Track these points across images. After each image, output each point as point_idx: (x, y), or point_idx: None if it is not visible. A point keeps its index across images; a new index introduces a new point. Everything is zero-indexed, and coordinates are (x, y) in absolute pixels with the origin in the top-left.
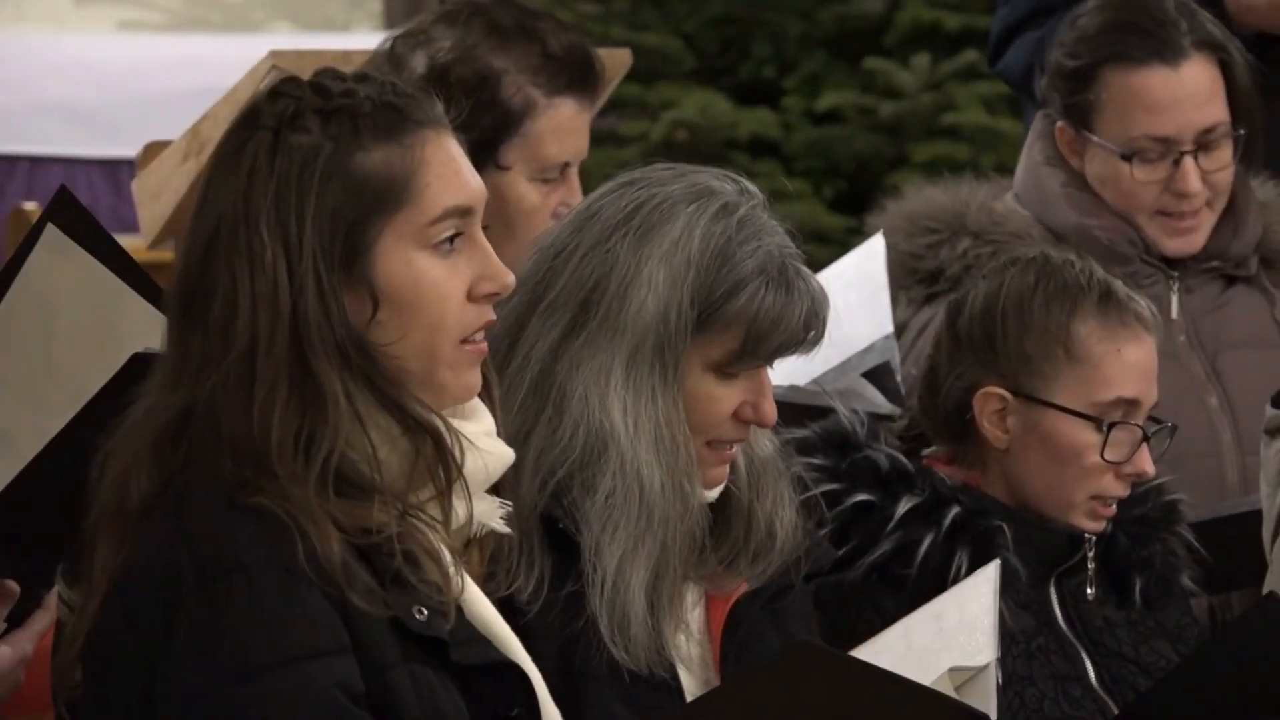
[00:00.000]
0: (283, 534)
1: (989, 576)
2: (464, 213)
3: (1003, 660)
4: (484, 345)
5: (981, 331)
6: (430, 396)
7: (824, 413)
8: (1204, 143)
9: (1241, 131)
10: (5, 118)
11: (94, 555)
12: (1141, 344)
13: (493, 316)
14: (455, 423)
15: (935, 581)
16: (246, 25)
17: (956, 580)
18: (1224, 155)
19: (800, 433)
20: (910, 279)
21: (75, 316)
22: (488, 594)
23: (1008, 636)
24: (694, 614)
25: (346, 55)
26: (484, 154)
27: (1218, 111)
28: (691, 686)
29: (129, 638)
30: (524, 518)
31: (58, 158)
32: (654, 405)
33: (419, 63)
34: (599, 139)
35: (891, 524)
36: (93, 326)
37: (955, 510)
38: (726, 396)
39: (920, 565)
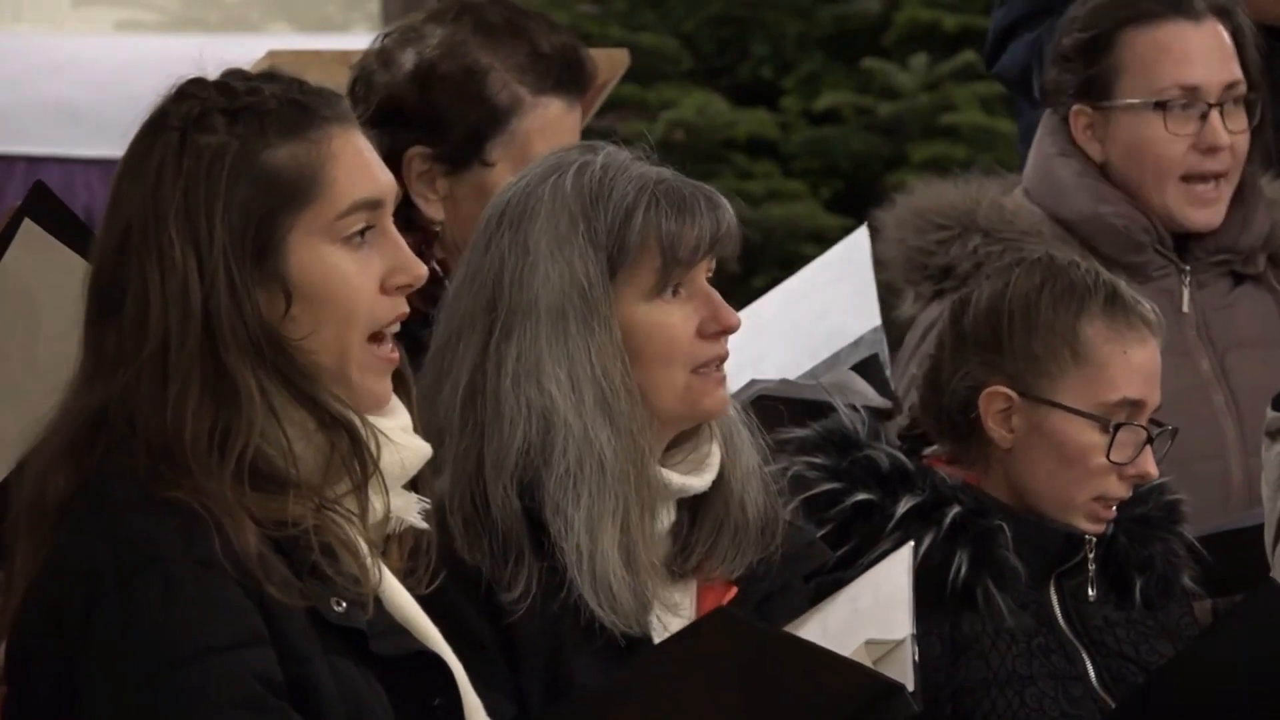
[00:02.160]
0: (199, 527)
1: (903, 558)
2: (373, 205)
3: (1004, 659)
4: (396, 355)
5: (987, 331)
6: (344, 393)
7: (817, 406)
8: (1226, 100)
9: (1256, 96)
10: (2, 118)
11: (14, 555)
12: (1146, 346)
13: (406, 309)
14: (371, 418)
15: (935, 580)
16: (244, 25)
17: (957, 578)
18: (1243, 118)
19: (801, 432)
20: (919, 275)
21: (57, 311)
22: (408, 589)
23: (1008, 634)
24: (686, 615)
25: (344, 55)
26: (470, 149)
27: (1237, 69)
28: None
29: (49, 633)
30: (503, 525)
31: (55, 158)
32: (590, 364)
33: (407, 59)
34: (596, 139)
35: (892, 523)
36: (75, 321)
37: (955, 510)
38: (681, 317)
39: (920, 564)
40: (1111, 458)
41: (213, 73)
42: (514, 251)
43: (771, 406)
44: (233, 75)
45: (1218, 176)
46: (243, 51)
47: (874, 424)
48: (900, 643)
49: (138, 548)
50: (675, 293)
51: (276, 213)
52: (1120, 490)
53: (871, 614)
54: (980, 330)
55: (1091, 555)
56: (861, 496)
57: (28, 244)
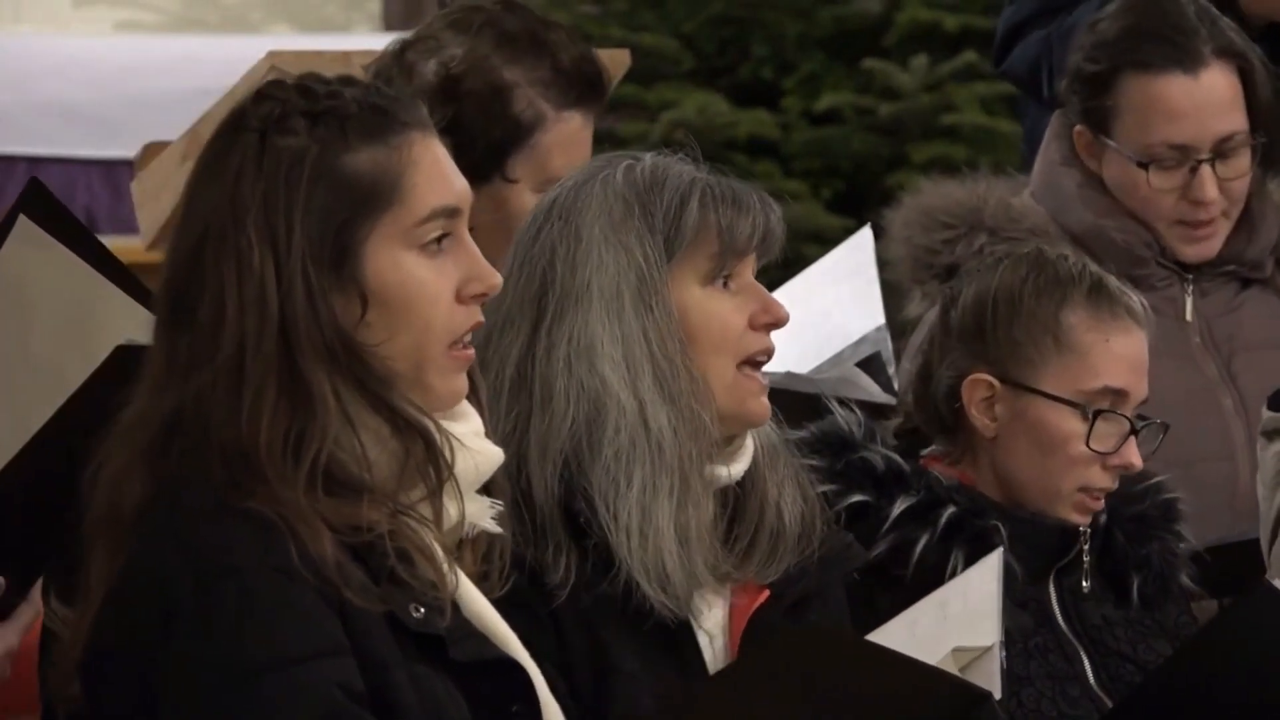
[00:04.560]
0: (275, 536)
1: (992, 565)
2: (451, 213)
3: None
4: (471, 352)
5: (972, 320)
6: (419, 398)
7: (815, 401)
8: (1222, 151)
9: (1260, 140)
10: (4, 118)
11: (90, 564)
12: (1130, 336)
13: (481, 318)
14: (444, 423)
15: (931, 581)
16: (244, 26)
17: (953, 579)
18: (1242, 163)
19: (796, 433)
20: (926, 274)
21: (51, 308)
22: (483, 594)
23: (1005, 634)
24: (718, 615)
25: (345, 56)
26: (492, 165)
27: (1237, 120)
28: None
29: (126, 646)
30: (544, 511)
31: (56, 158)
32: (646, 343)
33: (430, 71)
34: (597, 139)
35: (887, 525)
36: (69, 318)
37: (950, 510)
38: (734, 307)
39: (916, 565)
40: (1092, 446)
41: (228, 72)
42: (565, 240)
43: (779, 400)
44: (312, 78)
45: (1210, 220)
46: (243, 52)
47: (869, 425)
48: (988, 650)
49: (214, 558)
50: (725, 284)
51: (355, 218)
52: (1105, 481)
53: (960, 620)
54: (966, 321)
55: (1086, 547)
56: (857, 498)
57: (23, 240)
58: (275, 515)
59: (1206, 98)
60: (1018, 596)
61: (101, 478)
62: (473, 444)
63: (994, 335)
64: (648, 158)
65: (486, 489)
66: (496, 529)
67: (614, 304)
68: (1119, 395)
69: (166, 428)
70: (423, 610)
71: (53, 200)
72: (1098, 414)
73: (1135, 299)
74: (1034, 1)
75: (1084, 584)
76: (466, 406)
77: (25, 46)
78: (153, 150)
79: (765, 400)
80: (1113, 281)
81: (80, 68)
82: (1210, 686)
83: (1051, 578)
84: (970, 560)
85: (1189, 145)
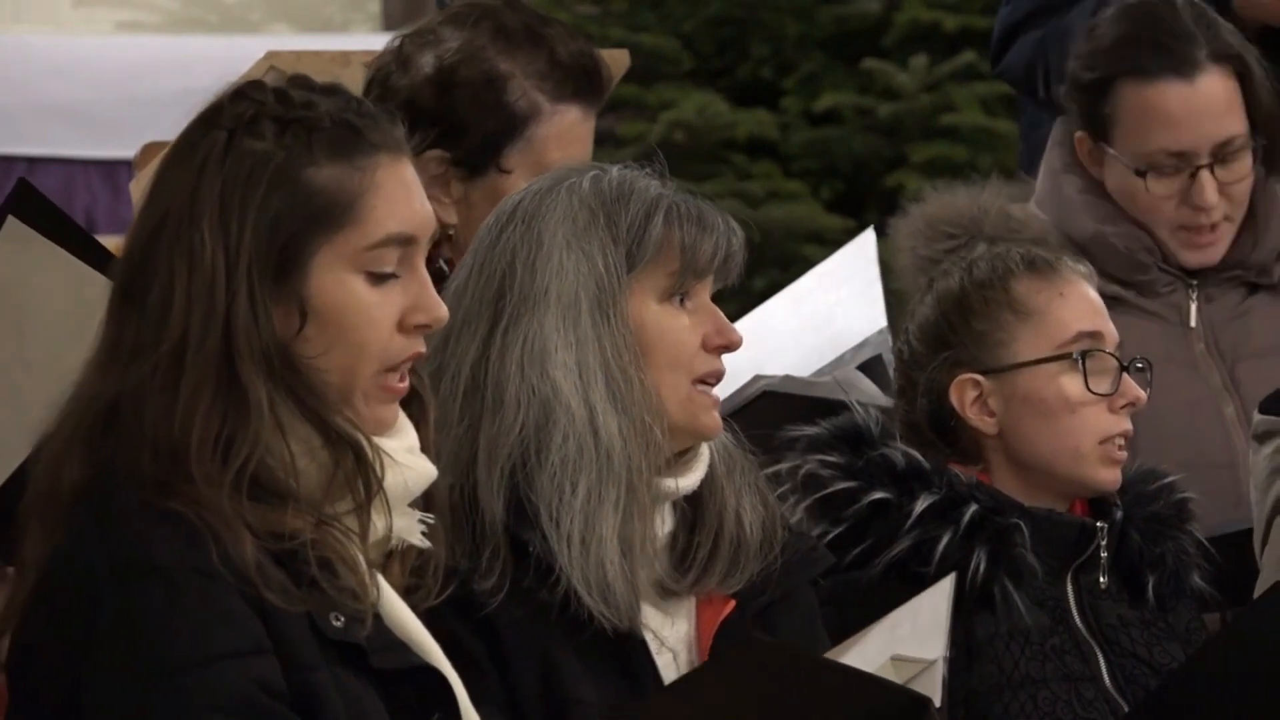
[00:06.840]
0: (197, 538)
1: (944, 589)
2: (406, 241)
3: (1017, 662)
4: (404, 385)
5: (931, 339)
6: (350, 414)
7: (822, 403)
8: (1221, 156)
9: (1260, 144)
10: (3, 118)
11: (24, 542)
12: (1079, 285)
13: (422, 348)
14: (377, 438)
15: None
16: (244, 26)
17: (975, 577)
18: (1242, 167)
19: (810, 430)
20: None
21: (48, 308)
22: (412, 606)
23: (1022, 636)
24: (682, 629)
25: (345, 56)
26: (487, 156)
27: (1235, 124)
28: None
29: (51, 635)
30: (487, 517)
31: (56, 158)
32: (600, 352)
33: (426, 62)
34: (596, 139)
35: (909, 522)
36: (66, 316)
37: (973, 508)
38: (689, 326)
39: (939, 563)
40: (1092, 388)
41: (227, 72)
42: (526, 243)
43: (776, 403)
44: (295, 83)
45: (1212, 226)
46: (243, 52)
47: (886, 423)
48: (932, 663)
49: (136, 556)
50: (682, 303)
51: (306, 232)
52: (1118, 424)
53: (906, 640)
54: (923, 344)
55: (1104, 543)
56: (878, 495)
57: (14, 241)
58: (196, 517)
59: (1203, 104)
60: (1036, 595)
61: (44, 454)
62: (404, 459)
63: (957, 338)
64: (614, 169)
65: (426, 503)
66: (425, 544)
67: (571, 310)
68: (1095, 337)
69: (106, 413)
70: (342, 619)
71: (43, 200)
72: (1085, 355)
73: (1070, 258)
74: (1029, 2)
75: (1101, 580)
76: (403, 421)
77: (25, 46)
78: (152, 150)
79: (717, 415)
80: (1040, 251)
81: (80, 68)
82: (1228, 689)
83: (1070, 576)
84: (992, 558)
85: (1187, 152)
